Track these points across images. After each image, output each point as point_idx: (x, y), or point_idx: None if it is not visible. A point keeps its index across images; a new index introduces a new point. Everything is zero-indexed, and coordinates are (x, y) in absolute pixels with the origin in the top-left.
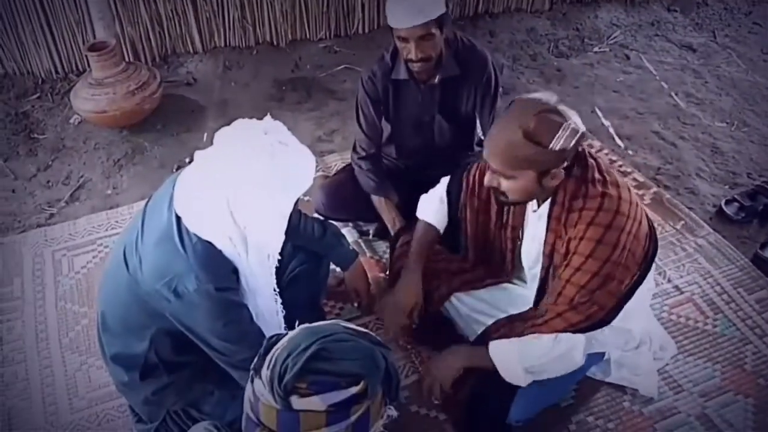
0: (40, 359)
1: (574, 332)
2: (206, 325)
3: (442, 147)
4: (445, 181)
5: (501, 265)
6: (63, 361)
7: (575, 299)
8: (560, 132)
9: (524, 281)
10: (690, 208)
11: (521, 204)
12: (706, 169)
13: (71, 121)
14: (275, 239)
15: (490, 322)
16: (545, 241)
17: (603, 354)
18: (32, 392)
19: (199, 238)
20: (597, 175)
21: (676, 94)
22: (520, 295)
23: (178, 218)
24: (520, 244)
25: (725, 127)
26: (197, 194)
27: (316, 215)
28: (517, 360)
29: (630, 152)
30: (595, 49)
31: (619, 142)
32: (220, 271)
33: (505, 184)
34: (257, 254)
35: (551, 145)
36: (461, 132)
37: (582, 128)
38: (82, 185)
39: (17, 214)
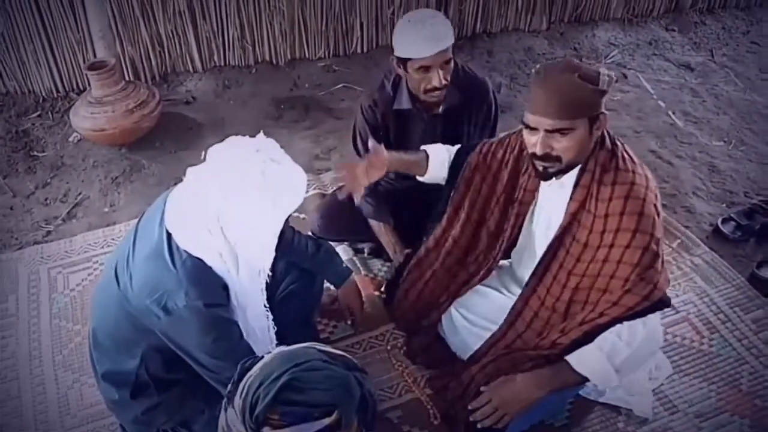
0: (32, 377)
1: (634, 317)
2: (195, 341)
3: None
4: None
5: (489, 248)
6: (56, 378)
7: (630, 279)
8: (602, 75)
9: (509, 290)
10: (686, 227)
11: (569, 170)
12: (703, 188)
13: (71, 139)
14: (266, 256)
15: (486, 335)
16: (566, 210)
17: None
18: (24, 410)
19: (189, 255)
20: (625, 153)
21: (673, 113)
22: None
23: (169, 235)
24: (522, 221)
25: (723, 146)
26: (188, 211)
27: (310, 235)
28: (606, 361)
29: None
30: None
31: None
32: (209, 288)
33: (559, 145)
34: (248, 271)
35: (600, 83)
36: None
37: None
38: (80, 203)
39: (14, 231)
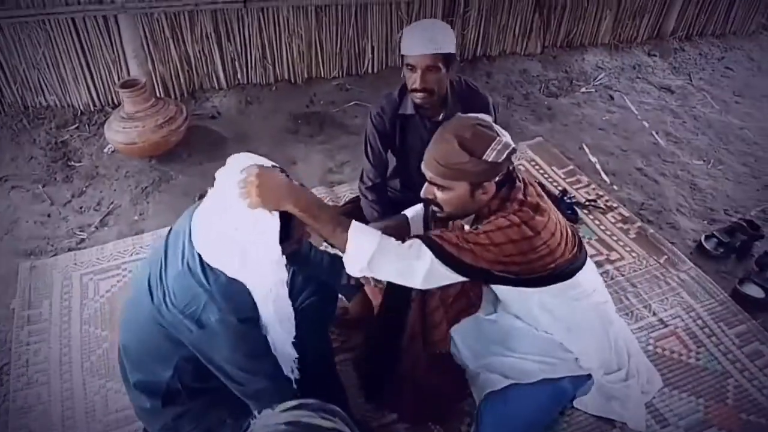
0: (62, 382)
1: (437, 250)
2: (226, 355)
3: None
4: None
5: None
6: (83, 384)
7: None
8: (493, 144)
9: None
10: (672, 243)
11: (455, 219)
12: (686, 205)
13: (105, 150)
14: (275, 283)
15: (492, 358)
16: None
17: (588, 377)
18: (53, 415)
19: (222, 272)
20: (519, 196)
21: (656, 133)
22: (517, 327)
23: (200, 255)
24: None
25: (702, 165)
26: (209, 233)
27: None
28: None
29: (615, 187)
30: (582, 89)
31: (605, 177)
32: (241, 303)
33: (440, 195)
34: (262, 296)
35: (484, 156)
36: None
37: (512, 144)
38: (112, 211)
39: (50, 237)
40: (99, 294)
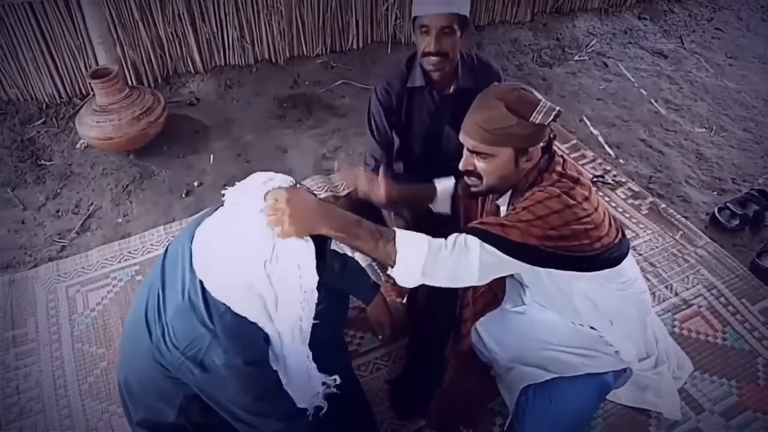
0: (59, 408)
1: (483, 235)
2: (234, 398)
3: (447, 160)
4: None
5: None
6: (83, 409)
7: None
8: (539, 106)
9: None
10: (685, 217)
11: (493, 193)
12: (694, 176)
13: (77, 146)
14: (303, 317)
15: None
16: None
17: (626, 370)
18: None
19: (227, 307)
20: (558, 168)
21: (655, 101)
22: (547, 320)
23: (202, 283)
24: None
25: (705, 133)
26: (219, 264)
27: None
28: (421, 260)
29: (621, 161)
30: (576, 57)
31: (609, 150)
32: (249, 343)
33: (481, 165)
34: (289, 327)
35: (531, 117)
36: None
37: (557, 107)
38: (92, 214)
39: (28, 247)
40: (89, 307)
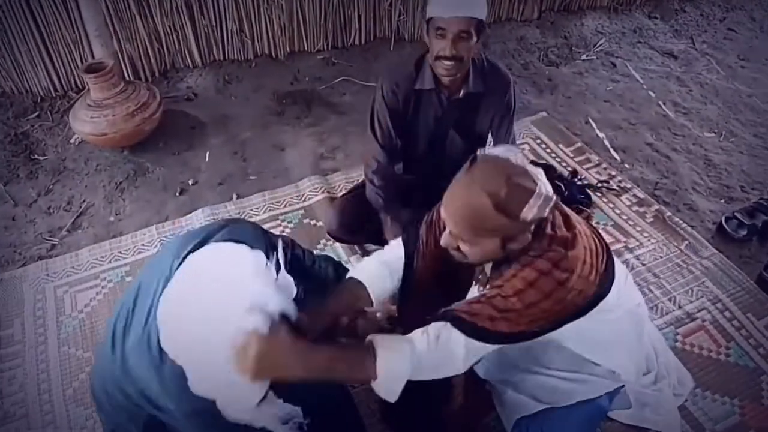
0: (42, 414)
1: (469, 329)
2: None
3: (450, 165)
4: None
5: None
6: (67, 415)
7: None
8: (532, 200)
9: None
10: (691, 226)
11: (480, 265)
12: (701, 183)
13: (72, 141)
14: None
15: (519, 375)
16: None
17: (621, 387)
18: None
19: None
20: (548, 231)
21: (663, 104)
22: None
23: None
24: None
25: (714, 138)
26: (181, 326)
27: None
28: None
29: (627, 166)
30: (583, 56)
31: (615, 155)
32: (201, 401)
33: (466, 248)
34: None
35: (522, 215)
36: (471, 151)
37: (553, 196)
38: (84, 211)
39: (17, 245)
40: (77, 309)
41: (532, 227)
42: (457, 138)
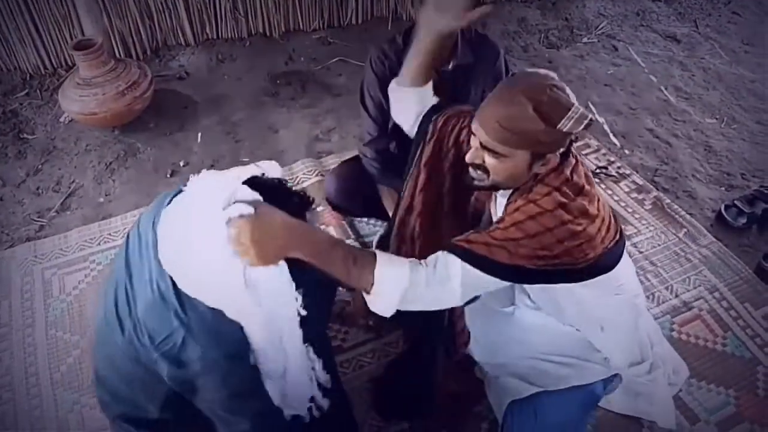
0: (29, 398)
1: (466, 255)
2: (210, 395)
3: None
4: None
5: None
6: (54, 399)
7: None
8: (571, 113)
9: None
10: (690, 214)
11: (497, 189)
12: (702, 170)
13: (61, 120)
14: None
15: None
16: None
17: (615, 374)
18: None
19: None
20: (567, 173)
21: (665, 89)
22: (538, 324)
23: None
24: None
25: (715, 124)
26: (190, 263)
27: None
28: (399, 288)
29: (626, 152)
30: (584, 39)
31: (614, 140)
32: (229, 336)
33: (491, 162)
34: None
35: (560, 125)
36: None
37: (589, 114)
38: (74, 192)
39: (5, 225)
40: (65, 292)
41: (563, 147)
42: None
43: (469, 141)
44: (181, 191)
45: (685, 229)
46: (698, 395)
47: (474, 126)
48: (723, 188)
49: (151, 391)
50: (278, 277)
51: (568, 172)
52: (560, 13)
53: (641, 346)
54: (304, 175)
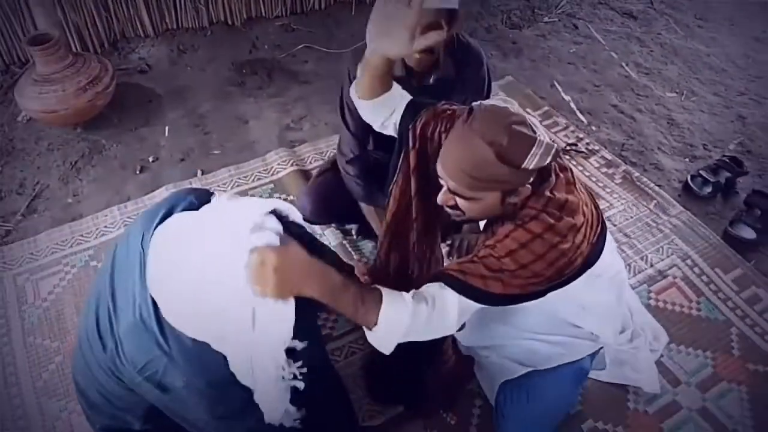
0: (12, 408)
1: (462, 288)
2: (196, 417)
3: None
4: None
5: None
6: (39, 408)
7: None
8: (534, 149)
9: None
10: (659, 186)
11: (475, 221)
12: (666, 143)
13: (19, 119)
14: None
15: (498, 340)
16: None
17: (601, 348)
18: None
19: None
20: (546, 193)
21: (626, 65)
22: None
23: (155, 301)
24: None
25: (676, 97)
26: (179, 290)
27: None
28: (405, 318)
29: (593, 128)
30: (545, 19)
31: (581, 117)
32: (211, 365)
33: (463, 204)
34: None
35: (524, 164)
36: None
37: (555, 144)
38: (39, 194)
39: None
40: (40, 297)
41: (532, 179)
42: None
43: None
44: (174, 208)
45: (654, 201)
46: (678, 359)
47: (439, 172)
48: (687, 159)
49: (132, 406)
50: (285, 314)
51: (547, 192)
52: None
53: (623, 317)
54: (278, 166)
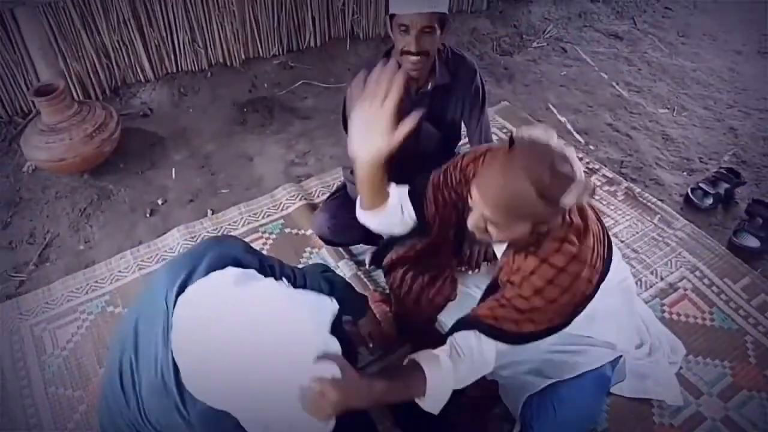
0: None
1: (497, 335)
2: None
3: (426, 153)
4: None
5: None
6: None
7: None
8: (572, 187)
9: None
10: (660, 200)
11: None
12: (663, 158)
13: (24, 169)
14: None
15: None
16: (499, 262)
17: (620, 358)
18: None
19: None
20: (567, 218)
21: (617, 84)
22: None
23: (176, 366)
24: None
25: (667, 113)
26: (199, 360)
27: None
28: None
29: (591, 147)
30: (534, 44)
31: (578, 137)
32: (231, 429)
33: (495, 231)
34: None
35: (561, 202)
36: (445, 139)
37: (591, 186)
38: (50, 243)
39: None
40: (59, 346)
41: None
42: (431, 129)
43: (462, 181)
44: (201, 260)
45: (658, 215)
46: (697, 370)
47: (475, 196)
48: (685, 173)
49: None
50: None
51: (568, 217)
52: (508, 21)
53: (638, 329)
54: (287, 201)
